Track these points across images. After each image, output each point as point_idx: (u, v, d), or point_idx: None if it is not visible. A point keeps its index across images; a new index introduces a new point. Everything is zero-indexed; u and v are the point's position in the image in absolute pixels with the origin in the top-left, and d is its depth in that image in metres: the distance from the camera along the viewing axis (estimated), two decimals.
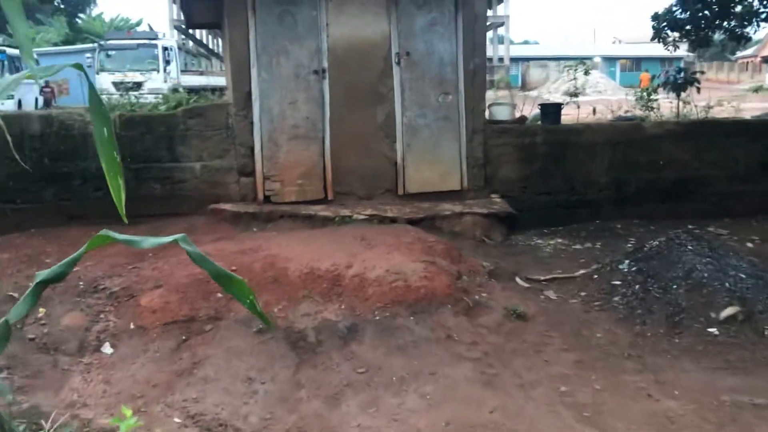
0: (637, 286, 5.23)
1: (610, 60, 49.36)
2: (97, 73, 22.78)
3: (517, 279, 5.69)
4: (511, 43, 38.80)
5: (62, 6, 31.08)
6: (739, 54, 57.33)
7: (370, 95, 7.04)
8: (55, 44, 32.93)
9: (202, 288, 4.94)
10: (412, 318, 4.63)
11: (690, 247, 5.42)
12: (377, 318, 4.61)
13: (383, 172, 7.16)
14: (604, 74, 40.96)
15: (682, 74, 8.05)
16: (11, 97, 21.71)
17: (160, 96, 9.10)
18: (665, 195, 7.78)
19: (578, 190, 7.64)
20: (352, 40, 6.94)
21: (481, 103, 7.29)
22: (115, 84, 22.71)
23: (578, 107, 9.07)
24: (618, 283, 5.39)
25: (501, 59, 32.54)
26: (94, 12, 41.40)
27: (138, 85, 22.43)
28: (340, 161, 7.03)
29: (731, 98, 11.44)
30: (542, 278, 5.77)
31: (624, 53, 52.82)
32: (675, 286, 5.05)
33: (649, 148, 7.69)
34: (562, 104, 8.00)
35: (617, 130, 7.67)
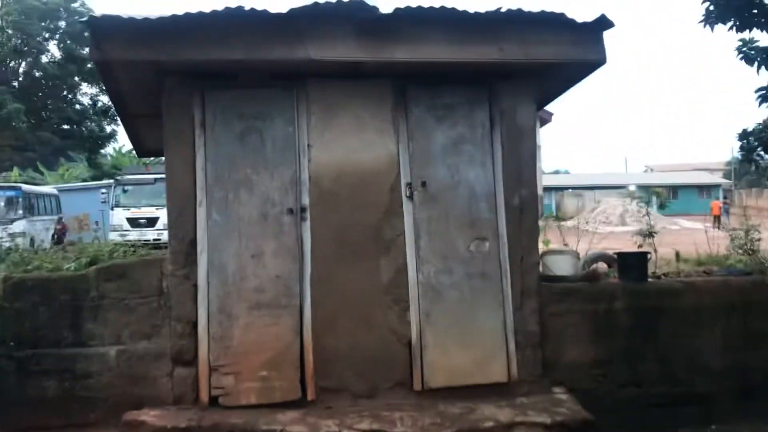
0: None
1: (645, 188, 48.24)
2: (112, 209, 22.54)
3: None
4: (543, 173, 37.64)
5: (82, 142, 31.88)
6: None
7: (370, 243, 4.87)
8: (84, 180, 33.71)
9: None
10: None
11: None
12: None
13: (391, 357, 4.84)
14: (642, 203, 39.62)
15: None
16: (23, 234, 20.79)
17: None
18: None
19: (681, 378, 5.22)
20: (344, 166, 4.89)
21: (532, 253, 5.04)
22: (129, 220, 22.24)
23: (656, 252, 6.82)
24: None
25: None
26: (125, 148, 41.97)
27: (153, 221, 21.76)
28: (327, 341, 4.76)
29: None
30: None
31: (658, 181, 51.57)
32: None
33: None
34: (649, 254, 5.71)
35: (732, 289, 5.32)
